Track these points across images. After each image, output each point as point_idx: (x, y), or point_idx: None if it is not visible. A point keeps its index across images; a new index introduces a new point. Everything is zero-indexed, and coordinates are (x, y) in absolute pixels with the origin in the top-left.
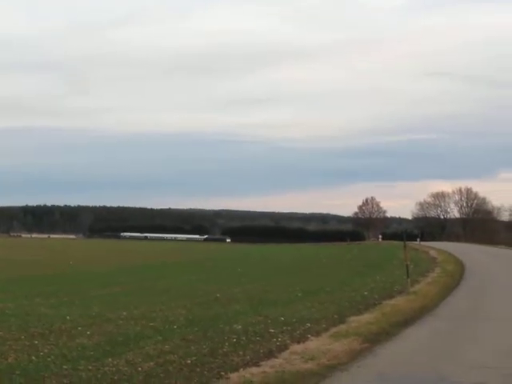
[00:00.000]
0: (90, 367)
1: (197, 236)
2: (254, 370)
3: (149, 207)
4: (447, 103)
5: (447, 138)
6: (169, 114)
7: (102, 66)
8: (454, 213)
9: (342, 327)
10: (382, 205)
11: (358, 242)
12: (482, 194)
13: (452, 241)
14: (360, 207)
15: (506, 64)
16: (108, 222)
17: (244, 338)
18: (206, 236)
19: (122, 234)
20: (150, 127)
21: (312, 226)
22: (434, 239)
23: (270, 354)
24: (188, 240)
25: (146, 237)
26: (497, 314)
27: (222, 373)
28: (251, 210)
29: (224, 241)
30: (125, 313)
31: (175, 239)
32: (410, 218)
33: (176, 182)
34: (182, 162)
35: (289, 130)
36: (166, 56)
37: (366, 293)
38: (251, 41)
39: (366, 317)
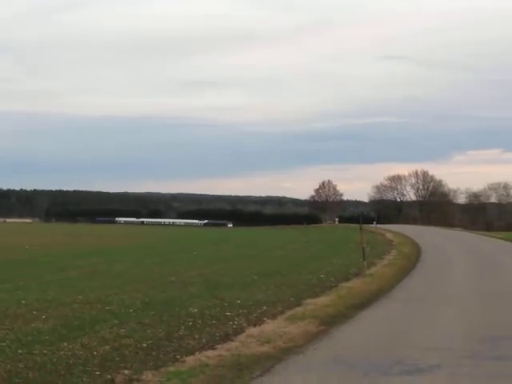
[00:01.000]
0: (45, 351)
1: (195, 221)
2: (210, 353)
3: (105, 191)
4: (403, 87)
5: (404, 121)
6: (124, 98)
7: (57, 50)
8: (411, 195)
9: (299, 310)
10: (338, 188)
11: (314, 225)
12: (438, 177)
13: (408, 223)
14: (316, 190)
15: (463, 49)
16: (65, 206)
17: (200, 322)
18: (205, 221)
19: (116, 219)
20: (107, 111)
21: (268, 210)
22: (390, 222)
23: (226, 337)
24: (186, 225)
25: (142, 222)
26: (452, 296)
27: (178, 356)
28: (207, 193)
29: (225, 225)
30: (80, 297)
31: (173, 224)
32: (366, 200)
33: (132, 166)
34: (137, 145)
35: (245, 114)
36: (118, 39)
37: (322, 276)
38: (206, 24)
39: (323, 299)
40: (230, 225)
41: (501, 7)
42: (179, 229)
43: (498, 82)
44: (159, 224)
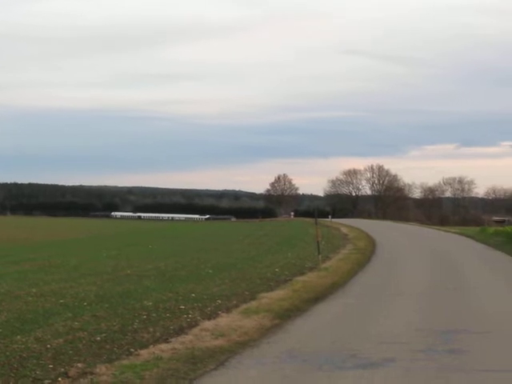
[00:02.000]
0: None
1: (196, 216)
2: (164, 346)
3: (60, 184)
4: (360, 81)
5: (360, 115)
6: (80, 90)
7: (9, 42)
8: (366, 190)
9: (253, 304)
10: (294, 182)
11: (270, 219)
12: (393, 172)
13: (364, 218)
14: (272, 184)
15: (420, 43)
16: (19, 199)
17: (154, 315)
18: (207, 216)
19: (112, 213)
20: (62, 103)
21: (224, 203)
22: (345, 216)
23: (181, 331)
24: (187, 220)
25: (139, 217)
26: (407, 290)
27: (132, 349)
28: (163, 186)
29: (229, 220)
30: (34, 290)
31: (172, 219)
32: (322, 195)
33: (88, 159)
34: (93, 138)
35: (201, 107)
36: (74, 32)
37: (277, 269)
38: (162, 17)
39: (277, 293)
40: (234, 219)
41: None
42: (160, 223)
43: (455, 76)
44: (157, 219)
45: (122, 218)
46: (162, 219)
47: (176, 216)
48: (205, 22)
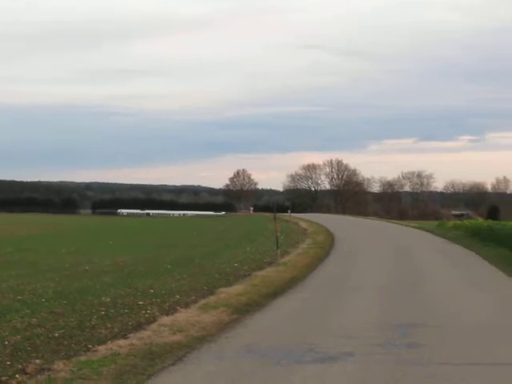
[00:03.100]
0: None
1: (210, 212)
2: (122, 342)
3: (18, 180)
4: (320, 75)
5: (319, 110)
6: (41, 86)
7: None
8: (325, 184)
9: (212, 299)
10: (253, 177)
11: (229, 214)
12: (352, 166)
13: (323, 212)
14: (231, 179)
15: (381, 38)
16: None
17: (113, 311)
18: (223, 212)
19: (118, 210)
20: (23, 99)
21: (183, 198)
22: (305, 211)
23: (139, 326)
24: (198, 216)
25: (148, 214)
26: (365, 284)
27: (90, 345)
28: (122, 182)
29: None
30: None
31: (184, 216)
32: (281, 189)
33: (46, 154)
34: (52, 133)
35: (161, 102)
36: (41, 28)
37: (236, 264)
38: (128, 11)
39: (236, 288)
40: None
41: None
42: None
43: (416, 71)
44: (167, 216)
45: (130, 215)
46: (173, 216)
47: (189, 213)
48: (168, 18)
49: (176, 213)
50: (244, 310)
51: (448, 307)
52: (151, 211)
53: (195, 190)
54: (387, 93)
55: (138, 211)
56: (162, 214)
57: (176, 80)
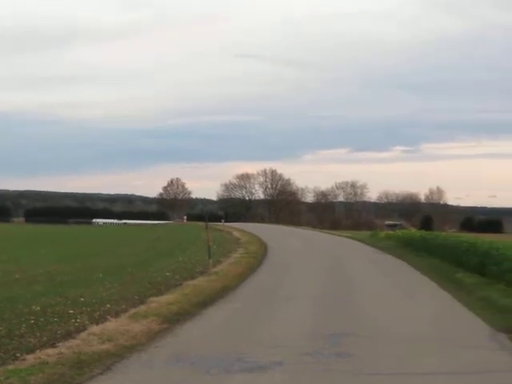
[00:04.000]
0: None
1: (155, 221)
2: (51, 351)
3: None
4: (254, 85)
5: (254, 119)
6: None
7: None
8: (259, 194)
9: (142, 308)
10: (187, 186)
11: (162, 223)
12: (286, 176)
13: (257, 222)
14: (165, 188)
15: (316, 47)
16: None
17: (42, 319)
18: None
19: (93, 220)
20: None
21: (117, 207)
22: (239, 220)
23: (68, 335)
24: (140, 225)
25: (125, 223)
26: (297, 294)
27: (18, 354)
28: (56, 190)
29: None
30: None
31: (125, 225)
32: (215, 199)
33: None
34: None
35: (93, 110)
36: None
37: (167, 273)
38: (55, 19)
39: (167, 297)
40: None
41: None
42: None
43: (350, 81)
44: (110, 225)
45: (106, 224)
46: (115, 224)
47: (130, 221)
48: (97, 25)
49: (118, 222)
50: (174, 319)
51: (379, 317)
52: (128, 221)
53: (129, 199)
54: (322, 103)
55: (115, 221)
56: (111, 222)
57: (107, 88)
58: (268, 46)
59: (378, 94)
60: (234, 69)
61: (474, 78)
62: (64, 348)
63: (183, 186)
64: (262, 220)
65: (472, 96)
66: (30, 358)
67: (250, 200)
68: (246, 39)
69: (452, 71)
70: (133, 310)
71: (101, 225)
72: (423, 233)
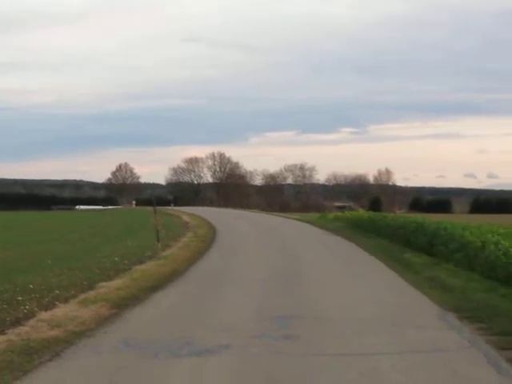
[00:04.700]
0: None
1: (110, 206)
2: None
3: None
4: (201, 68)
5: (202, 103)
6: None
7: None
8: (208, 178)
9: (91, 293)
10: (135, 171)
11: (111, 208)
12: (235, 159)
13: (206, 205)
14: (113, 173)
15: (262, 31)
16: None
17: None
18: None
19: (76, 207)
20: None
21: (65, 193)
22: (188, 204)
23: (17, 322)
24: (94, 211)
25: (104, 209)
26: (246, 277)
27: None
28: (2, 177)
29: None
30: None
31: (80, 210)
32: (164, 183)
33: None
34: None
35: (39, 96)
36: None
37: (116, 258)
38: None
39: (116, 282)
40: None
41: None
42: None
43: (297, 64)
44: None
45: (88, 211)
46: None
47: (84, 207)
48: (47, 10)
49: (101, 208)
50: (123, 304)
51: (327, 299)
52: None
53: (77, 185)
54: (269, 86)
55: (97, 207)
56: (92, 208)
57: (54, 74)
58: (216, 30)
59: (325, 77)
60: (182, 52)
61: (420, 60)
62: (13, 335)
63: (131, 170)
64: (210, 204)
65: (419, 77)
66: None
67: (198, 184)
68: (195, 23)
69: (399, 53)
70: (82, 296)
71: (83, 210)
72: (372, 214)
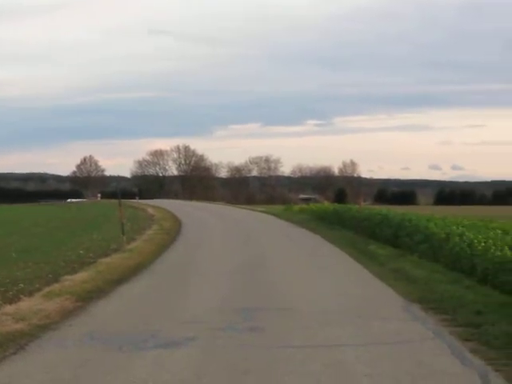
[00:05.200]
0: None
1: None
2: None
3: None
4: (167, 61)
5: (167, 95)
6: None
7: None
8: (173, 170)
9: (56, 286)
10: (100, 163)
11: (76, 201)
12: (200, 152)
13: (171, 198)
14: (78, 166)
15: (227, 23)
16: None
17: None
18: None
19: (68, 200)
20: None
21: (30, 186)
22: (153, 197)
23: None
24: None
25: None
26: (211, 270)
27: None
28: None
29: None
30: None
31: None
32: (129, 176)
33: None
34: None
35: (2, 88)
36: None
37: (81, 252)
38: None
39: (81, 275)
40: None
41: None
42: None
43: (261, 57)
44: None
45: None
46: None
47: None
48: (15, 2)
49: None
50: (88, 297)
51: (292, 291)
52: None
53: (42, 178)
54: (233, 78)
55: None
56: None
57: (18, 66)
58: (179, 22)
59: (288, 69)
60: (146, 45)
61: (386, 52)
62: None
63: (96, 163)
64: (176, 196)
65: (384, 70)
66: None
67: (163, 176)
68: (159, 15)
69: (364, 45)
70: (46, 289)
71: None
72: (337, 206)
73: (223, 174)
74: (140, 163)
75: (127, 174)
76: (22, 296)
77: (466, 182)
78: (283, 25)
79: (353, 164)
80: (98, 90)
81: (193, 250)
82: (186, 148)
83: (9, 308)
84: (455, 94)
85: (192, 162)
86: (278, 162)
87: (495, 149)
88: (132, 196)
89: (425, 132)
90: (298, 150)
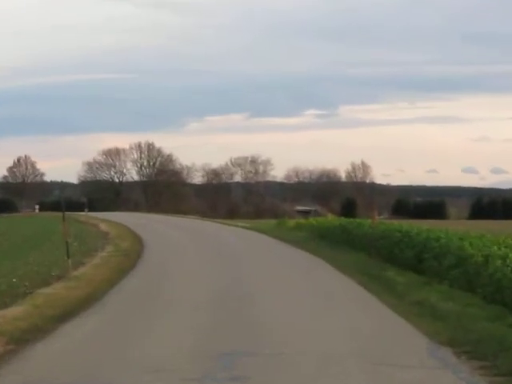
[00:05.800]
0: None
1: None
2: None
3: None
4: (123, 33)
5: (124, 77)
6: None
7: None
8: (133, 174)
9: None
10: (38, 166)
11: (7, 215)
12: (167, 151)
13: (131, 210)
14: (10, 169)
15: None
16: None
17: None
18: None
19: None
20: None
21: None
22: (107, 209)
23: None
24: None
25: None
26: (180, 303)
27: None
28: None
29: None
30: None
31: None
32: (75, 182)
33: None
34: None
35: None
36: None
37: (14, 280)
38: None
39: (13, 311)
40: None
41: None
42: None
43: (246, 29)
44: None
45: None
46: None
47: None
48: None
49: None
50: (23, 338)
51: (285, 331)
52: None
53: None
54: (211, 55)
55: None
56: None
57: None
58: None
59: (282, 44)
60: (94, 14)
61: (407, 21)
62: None
63: (33, 165)
64: (136, 208)
65: (405, 45)
66: None
67: (120, 182)
68: None
69: (378, 11)
70: None
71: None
72: (344, 220)
73: (197, 179)
74: (90, 165)
75: (73, 179)
76: None
77: (510, 190)
78: None
79: (364, 166)
80: (31, 72)
81: (158, 277)
82: (150, 146)
83: None
84: (494, 76)
85: (157, 164)
86: (267, 163)
87: None
88: (80, 208)
89: (456, 125)
90: (293, 148)
